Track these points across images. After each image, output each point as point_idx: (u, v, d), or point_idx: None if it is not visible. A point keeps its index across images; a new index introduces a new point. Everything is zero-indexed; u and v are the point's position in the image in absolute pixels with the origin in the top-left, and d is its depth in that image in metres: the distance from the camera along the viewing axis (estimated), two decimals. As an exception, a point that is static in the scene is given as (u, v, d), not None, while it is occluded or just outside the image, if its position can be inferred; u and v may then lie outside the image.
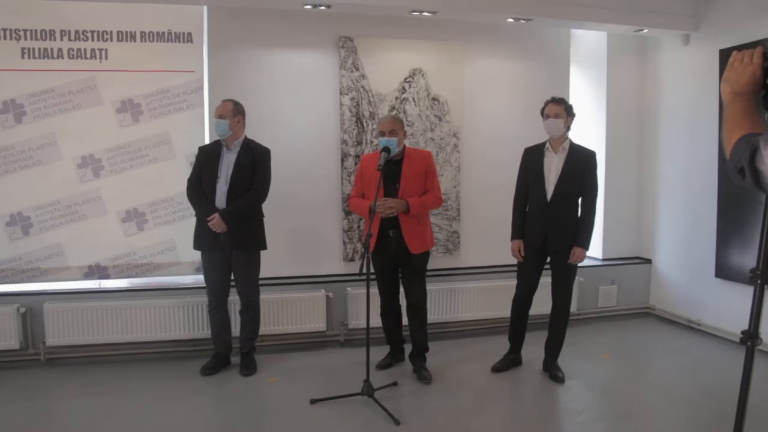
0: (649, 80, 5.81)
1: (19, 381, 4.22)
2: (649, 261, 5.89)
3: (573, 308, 5.37)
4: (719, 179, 5.00)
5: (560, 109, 4.09)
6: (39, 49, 4.49)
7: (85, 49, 4.56)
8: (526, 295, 4.33)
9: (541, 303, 4.39)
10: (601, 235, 5.85)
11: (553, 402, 3.97)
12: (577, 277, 5.41)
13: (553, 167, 4.14)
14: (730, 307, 4.90)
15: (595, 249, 5.92)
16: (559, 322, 4.28)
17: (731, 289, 4.91)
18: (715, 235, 5.07)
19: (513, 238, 4.30)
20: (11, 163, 4.51)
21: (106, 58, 4.61)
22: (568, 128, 4.16)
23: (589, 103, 5.92)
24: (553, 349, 4.31)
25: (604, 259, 5.87)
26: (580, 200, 4.16)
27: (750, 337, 1.74)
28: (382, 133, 4.08)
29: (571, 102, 5.62)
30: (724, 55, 4.67)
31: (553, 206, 4.12)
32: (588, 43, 5.88)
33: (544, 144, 4.23)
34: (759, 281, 1.68)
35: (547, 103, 4.16)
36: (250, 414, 3.76)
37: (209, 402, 3.95)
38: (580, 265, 5.65)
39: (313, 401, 3.79)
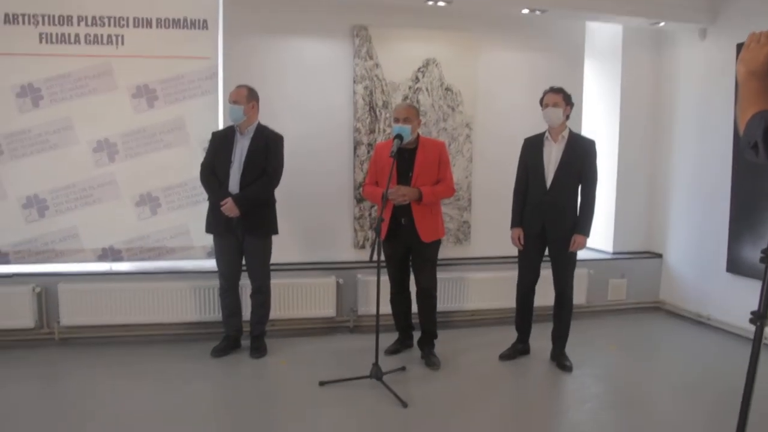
0: (664, 75, 5.79)
1: (33, 359, 4.28)
2: (659, 255, 5.88)
3: (582, 301, 5.43)
4: (733, 174, 4.98)
5: (559, 98, 4.11)
6: (56, 34, 4.54)
7: (101, 35, 4.60)
8: (529, 284, 4.36)
9: (548, 295, 4.39)
10: (612, 228, 5.86)
11: (560, 390, 3.98)
12: (587, 270, 5.46)
13: (552, 156, 4.16)
14: (740, 302, 4.87)
15: (606, 242, 5.92)
16: (562, 312, 4.30)
17: (742, 284, 4.90)
18: (727, 230, 5.05)
19: (513, 226, 4.33)
20: (28, 147, 4.56)
21: (123, 43, 4.65)
22: (567, 117, 4.18)
23: (603, 96, 5.91)
24: (559, 338, 4.33)
25: (614, 253, 5.87)
26: (579, 188, 4.18)
27: (759, 317, 1.75)
28: (396, 120, 4.10)
29: (584, 95, 5.68)
30: (741, 49, 4.64)
31: (552, 195, 4.14)
32: (603, 37, 5.86)
33: (543, 134, 4.25)
34: (769, 262, 1.69)
35: (545, 92, 4.19)
36: (260, 395, 3.81)
37: (219, 383, 4.00)
38: (590, 258, 5.73)
39: (322, 383, 3.82)
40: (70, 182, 4.64)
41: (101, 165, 4.67)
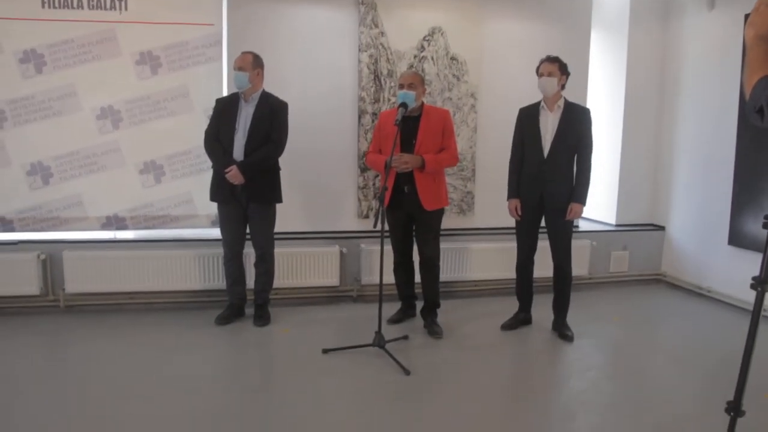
0: (670, 46, 5.73)
1: (38, 326, 4.33)
2: (662, 228, 5.89)
3: (584, 272, 5.46)
4: (737, 148, 4.96)
5: (554, 67, 4.08)
6: (59, -1, 4.51)
7: (104, 0, 4.57)
8: (527, 255, 4.38)
9: (549, 266, 4.40)
10: (615, 200, 5.86)
11: (561, 359, 4.02)
12: (589, 242, 5.48)
13: (549, 126, 4.15)
14: (741, 274, 4.86)
15: (609, 214, 5.93)
16: (562, 282, 4.32)
17: (744, 257, 4.92)
18: (729, 203, 5.05)
19: (509, 197, 4.33)
20: (32, 113, 4.56)
21: (126, 9, 4.61)
22: (562, 87, 4.15)
23: (608, 67, 5.87)
24: (560, 308, 4.36)
25: (617, 225, 5.88)
26: (576, 157, 4.17)
27: (761, 282, 1.76)
28: (401, 86, 4.08)
29: (590, 66, 5.63)
30: (749, 19, 4.59)
31: (549, 164, 4.14)
32: (610, 7, 5.80)
33: (539, 103, 4.24)
34: (773, 227, 1.69)
35: (541, 61, 4.16)
36: (263, 363, 3.86)
37: (223, 350, 4.04)
38: (593, 229, 5.74)
39: (325, 351, 3.86)
40: (74, 149, 4.64)
41: (105, 132, 4.67)
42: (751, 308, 1.85)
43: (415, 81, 4.09)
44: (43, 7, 4.47)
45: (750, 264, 4.74)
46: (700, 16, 5.38)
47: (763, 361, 2.10)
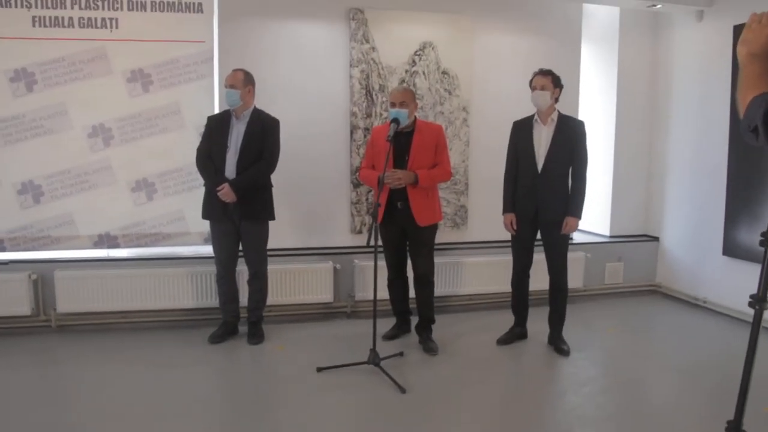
0: (661, 57, 5.76)
1: (30, 347, 4.28)
2: (656, 239, 5.89)
3: (579, 284, 5.45)
4: (729, 157, 4.98)
5: (547, 80, 4.08)
6: (50, 17, 4.47)
7: (95, 18, 4.55)
8: (523, 269, 4.37)
9: (544, 279, 4.39)
10: (609, 212, 5.87)
11: (557, 373, 4.00)
12: (584, 254, 5.48)
13: (542, 139, 4.14)
14: (736, 285, 4.90)
15: (603, 226, 5.93)
16: (558, 296, 4.30)
17: (738, 267, 4.92)
18: (723, 213, 5.06)
19: (505, 211, 4.32)
20: (22, 132, 4.52)
21: (117, 27, 4.59)
22: (556, 100, 4.15)
23: (600, 79, 5.89)
24: (556, 322, 4.34)
25: (611, 236, 5.88)
26: (570, 171, 4.16)
27: (759, 300, 1.75)
28: (392, 104, 4.07)
29: (581, 78, 5.65)
30: (738, 31, 4.60)
31: (544, 178, 4.13)
32: (600, 20, 5.83)
33: (532, 116, 4.23)
34: (769, 245, 1.69)
35: (534, 74, 4.16)
36: (257, 381, 3.82)
37: (217, 369, 4.00)
38: (587, 241, 5.74)
39: (320, 369, 3.83)
40: (65, 168, 4.60)
41: (96, 150, 4.64)
42: (747, 318, 1.84)
43: (406, 98, 4.08)
44: (33, 26, 4.45)
45: (745, 274, 4.75)
46: (689, 28, 5.41)
47: (762, 373, 2.08)
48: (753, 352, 1.80)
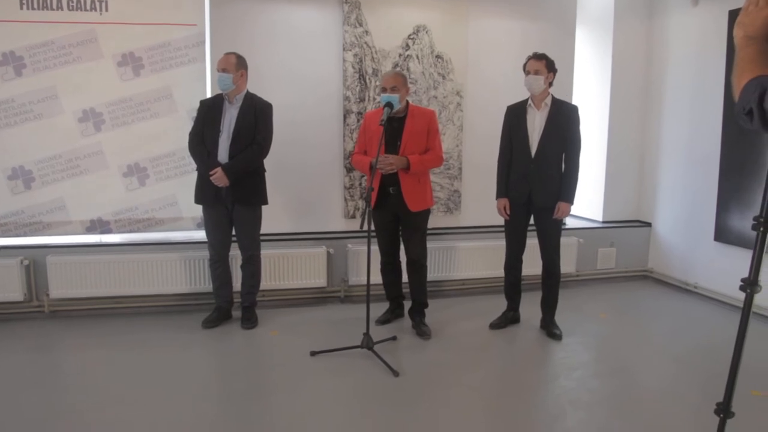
0: (655, 42, 5.75)
1: (23, 332, 4.27)
2: (648, 224, 5.91)
3: (572, 269, 5.48)
4: (722, 143, 4.98)
5: (541, 65, 4.06)
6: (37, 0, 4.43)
7: (84, 1, 4.50)
8: (516, 254, 4.38)
9: (536, 264, 4.41)
10: (602, 197, 5.88)
11: (549, 358, 4.02)
12: (576, 239, 5.49)
13: (536, 124, 4.14)
14: (728, 270, 4.94)
15: (596, 211, 5.95)
16: (551, 281, 4.32)
17: (730, 253, 4.94)
18: (715, 199, 5.07)
19: (498, 196, 4.32)
20: (12, 117, 4.48)
21: (107, 10, 4.54)
22: (549, 84, 4.13)
23: (594, 64, 5.88)
24: (548, 307, 4.37)
25: (603, 222, 5.89)
26: (564, 156, 4.16)
27: (750, 284, 1.76)
28: (384, 89, 4.05)
29: (576, 63, 5.63)
30: (733, 16, 4.61)
31: (537, 163, 4.13)
32: (595, 4, 5.80)
33: (526, 101, 4.22)
34: (762, 229, 1.69)
35: (528, 58, 4.14)
36: (251, 365, 3.82)
37: (210, 354, 4.01)
38: (580, 227, 5.75)
39: (314, 353, 3.84)
40: (56, 153, 4.57)
41: (87, 135, 4.61)
42: (737, 304, 1.86)
43: (397, 83, 4.05)
44: (21, 8, 4.39)
45: (736, 260, 4.79)
46: (685, 12, 5.39)
47: (750, 357, 2.10)
48: (743, 335, 1.81)
